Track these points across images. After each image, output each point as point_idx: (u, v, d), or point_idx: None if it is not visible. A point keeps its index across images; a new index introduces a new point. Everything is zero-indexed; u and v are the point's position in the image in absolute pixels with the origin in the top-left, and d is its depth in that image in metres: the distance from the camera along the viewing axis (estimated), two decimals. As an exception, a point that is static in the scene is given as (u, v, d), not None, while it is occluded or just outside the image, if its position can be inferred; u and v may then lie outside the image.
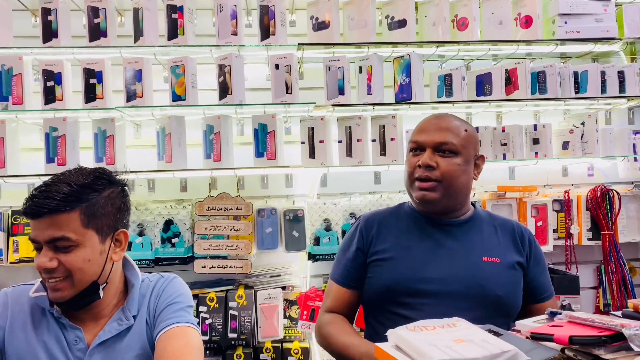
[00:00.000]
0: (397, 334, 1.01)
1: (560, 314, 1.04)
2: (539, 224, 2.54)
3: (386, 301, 1.47)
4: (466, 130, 1.48)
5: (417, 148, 1.50)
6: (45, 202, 1.13)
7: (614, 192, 2.56)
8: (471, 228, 1.52)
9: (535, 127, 2.49)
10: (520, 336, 1.05)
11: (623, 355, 0.85)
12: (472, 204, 1.62)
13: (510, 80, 2.43)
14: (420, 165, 1.46)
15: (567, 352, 0.95)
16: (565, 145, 2.52)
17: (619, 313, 1.02)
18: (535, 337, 0.98)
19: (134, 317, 1.30)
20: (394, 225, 1.55)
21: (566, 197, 2.59)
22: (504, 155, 2.47)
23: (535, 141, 2.48)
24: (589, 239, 2.60)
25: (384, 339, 1.05)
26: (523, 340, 1.00)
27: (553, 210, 2.60)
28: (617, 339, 0.85)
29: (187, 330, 1.26)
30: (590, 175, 2.76)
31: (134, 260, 2.31)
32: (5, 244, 2.33)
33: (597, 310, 2.69)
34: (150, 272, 2.48)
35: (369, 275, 1.52)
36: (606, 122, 2.76)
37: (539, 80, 2.43)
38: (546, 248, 2.55)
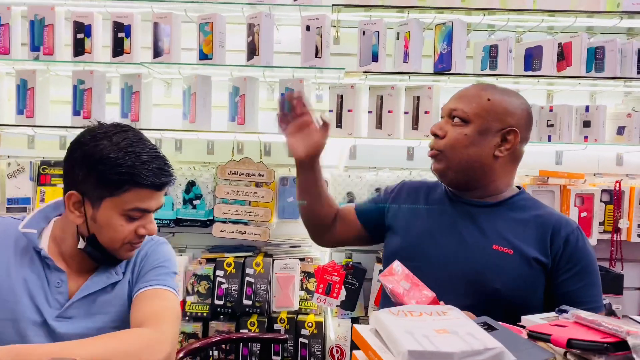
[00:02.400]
0: (377, 317, 0.91)
1: (567, 311, 0.90)
2: (583, 214, 2.33)
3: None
4: (489, 99, 1.32)
5: (442, 116, 1.42)
6: (170, 174, 1.21)
7: (674, 186, 2.31)
8: (496, 212, 1.37)
9: (587, 108, 2.26)
10: (518, 334, 0.92)
11: (627, 367, 0.71)
12: (518, 187, 1.45)
13: (564, 56, 2.21)
14: (431, 132, 1.41)
15: (568, 356, 0.82)
16: (620, 131, 2.28)
17: (638, 317, 0.88)
18: (533, 335, 0.86)
19: (123, 273, 1.27)
20: (424, 196, 1.49)
21: (617, 188, 2.36)
22: (549, 137, 2.27)
23: (586, 124, 2.25)
24: (639, 236, 2.37)
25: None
26: (519, 339, 0.88)
27: (601, 201, 2.38)
28: (621, 348, 0.71)
29: (167, 294, 1.21)
30: (649, 166, 2.50)
31: (155, 219, 2.32)
32: (34, 193, 2.38)
33: (642, 314, 2.47)
34: (172, 233, 2.51)
35: (386, 236, 1.52)
36: (672, 109, 2.48)
37: (596, 57, 2.20)
38: (590, 241, 2.34)
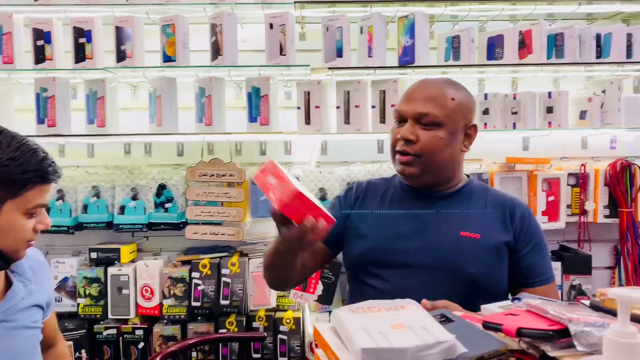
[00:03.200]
0: (336, 315, 0.93)
1: (521, 300, 0.93)
2: (551, 199, 2.38)
3: (359, 271, 1.44)
4: (453, 99, 1.35)
5: (400, 118, 1.39)
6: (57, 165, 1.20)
7: (636, 166, 2.37)
8: (457, 201, 1.43)
9: (549, 94, 2.30)
10: (476, 324, 0.95)
11: (571, 353, 0.74)
12: (468, 175, 1.51)
13: (525, 43, 2.24)
14: (399, 137, 1.36)
15: (521, 345, 0.85)
16: (582, 115, 2.33)
17: (589, 302, 0.91)
18: (487, 326, 0.88)
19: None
20: (382, 194, 1.49)
21: (582, 171, 2.42)
22: (514, 124, 2.31)
23: (549, 110, 2.29)
24: (606, 217, 2.43)
25: None
26: (474, 330, 0.90)
27: (568, 184, 2.43)
28: (566, 334, 0.74)
29: None
30: (612, 148, 2.55)
31: (127, 224, 2.31)
32: (2, 204, 2.35)
33: (612, 292, 2.53)
34: (146, 237, 2.50)
35: (347, 242, 1.48)
36: (634, 91, 2.53)
37: (556, 44, 2.23)
38: (558, 225, 2.40)
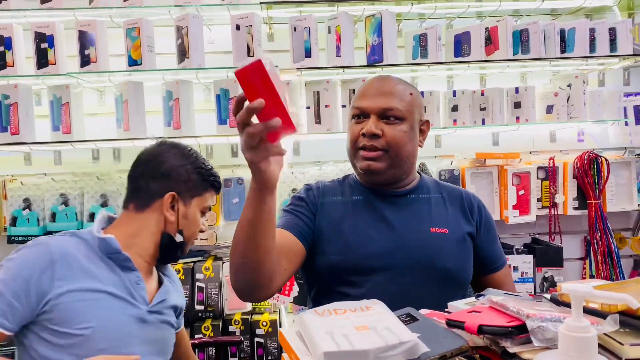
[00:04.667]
0: (301, 319, 0.92)
1: (484, 296, 0.93)
2: (521, 192, 2.41)
3: (332, 281, 1.35)
4: (411, 94, 1.36)
5: (360, 114, 1.35)
6: None
7: (603, 158, 2.41)
8: (417, 198, 1.42)
9: (517, 89, 2.33)
10: (441, 323, 0.95)
11: (529, 348, 0.74)
12: (419, 172, 1.51)
13: (491, 40, 2.27)
14: (365, 133, 1.32)
15: (484, 341, 0.85)
16: (549, 109, 2.36)
17: (549, 296, 0.92)
18: (450, 324, 0.88)
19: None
20: (338, 198, 1.43)
21: (551, 165, 2.45)
22: (483, 120, 2.33)
23: (517, 105, 2.32)
24: (575, 209, 2.47)
25: None
26: (438, 328, 0.90)
27: (537, 178, 2.47)
28: (524, 330, 0.75)
29: None
30: (580, 141, 2.61)
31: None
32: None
33: (583, 282, 2.57)
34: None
35: (315, 250, 1.35)
36: (599, 84, 2.58)
37: (521, 39, 2.26)
38: (529, 218, 2.44)
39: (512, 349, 0.76)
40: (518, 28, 2.27)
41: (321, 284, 1.39)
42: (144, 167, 1.34)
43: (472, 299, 1.06)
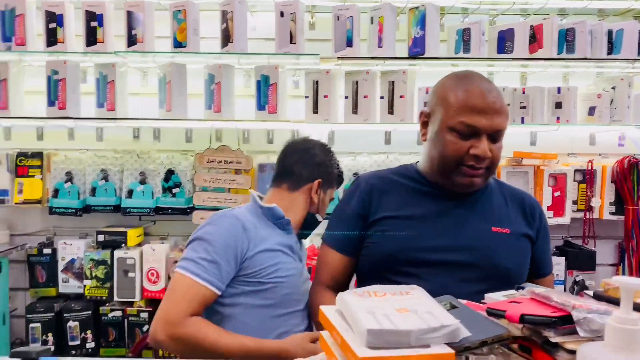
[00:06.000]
0: (342, 299, 0.94)
1: (524, 288, 0.94)
2: (557, 194, 2.38)
3: (386, 270, 1.35)
4: (509, 104, 1.36)
5: (469, 133, 1.26)
6: None
7: (644, 164, 2.36)
8: (480, 196, 1.39)
9: (559, 89, 2.30)
10: (479, 311, 0.96)
11: (573, 339, 0.75)
12: None
13: (535, 38, 2.23)
14: (480, 156, 1.25)
15: (523, 331, 0.86)
16: (591, 111, 2.32)
17: (592, 292, 0.92)
18: (491, 312, 0.89)
19: None
20: (397, 188, 1.41)
21: (589, 168, 2.41)
22: (522, 119, 2.31)
23: (558, 105, 2.29)
24: (612, 213, 2.44)
25: None
26: (478, 316, 0.91)
27: (574, 180, 2.44)
28: (568, 321, 0.75)
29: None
30: (620, 145, 2.55)
31: (135, 207, 2.33)
32: (12, 185, 2.37)
33: (615, 289, 2.53)
34: (153, 221, 2.52)
35: (369, 242, 1.38)
36: (644, 88, 2.52)
37: (567, 39, 2.23)
38: (563, 220, 2.41)
39: (555, 338, 0.76)
40: (564, 27, 2.23)
41: (375, 273, 1.38)
42: (298, 156, 1.59)
43: (511, 291, 1.07)
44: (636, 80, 2.41)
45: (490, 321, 0.89)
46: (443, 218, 1.35)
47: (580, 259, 2.41)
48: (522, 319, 0.81)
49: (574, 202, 2.44)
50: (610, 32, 2.24)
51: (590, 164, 2.41)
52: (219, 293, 1.36)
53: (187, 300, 1.32)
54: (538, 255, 1.42)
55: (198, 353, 1.31)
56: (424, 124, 1.37)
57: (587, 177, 2.42)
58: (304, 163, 1.58)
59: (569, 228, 2.51)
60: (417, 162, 1.45)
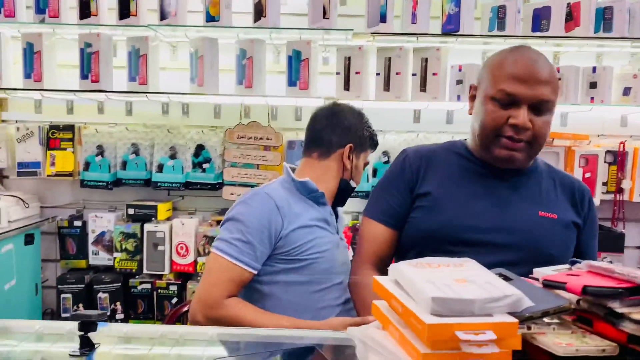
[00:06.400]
0: (397, 269, 0.95)
1: (580, 262, 0.94)
2: (587, 175, 2.37)
3: (426, 247, 1.30)
4: (559, 79, 1.32)
5: (509, 102, 1.22)
6: None
7: (677, 146, 2.34)
8: (529, 179, 1.35)
9: (594, 69, 2.27)
10: (533, 283, 0.96)
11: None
12: None
13: (572, 16, 2.20)
14: (518, 126, 1.22)
15: (581, 303, 0.86)
16: (626, 92, 2.29)
17: (649, 267, 0.92)
18: (548, 284, 0.90)
19: None
20: (444, 164, 1.36)
21: (621, 149, 2.39)
22: (556, 98, 2.28)
23: (593, 85, 2.26)
24: (642, 196, 2.42)
25: None
26: (534, 287, 0.92)
27: (605, 162, 2.42)
28: (635, 293, 0.75)
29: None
30: (653, 127, 2.52)
31: (165, 182, 2.35)
32: (43, 157, 2.40)
33: (642, 271, 2.52)
34: (181, 196, 2.54)
35: (411, 217, 1.35)
36: (679, 69, 2.48)
37: (604, 17, 2.19)
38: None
39: (621, 309, 0.77)
40: (602, 5, 2.19)
41: (414, 249, 1.34)
42: (327, 122, 1.52)
43: (560, 266, 1.07)
44: (672, 61, 2.37)
45: (547, 292, 0.90)
46: (488, 198, 1.31)
47: (609, 241, 2.39)
48: (585, 290, 0.82)
49: (604, 184, 2.42)
50: (649, 11, 2.19)
51: (622, 145, 2.38)
52: (255, 272, 1.37)
53: (224, 282, 1.33)
54: (584, 243, 1.37)
55: None
56: (472, 98, 1.33)
57: (618, 158, 2.39)
58: (332, 128, 1.52)
59: (598, 209, 2.49)
60: (466, 139, 1.41)
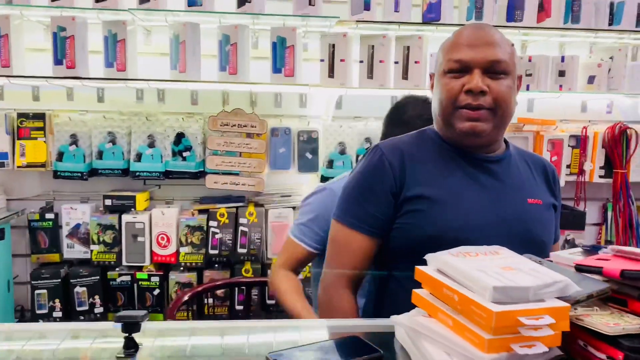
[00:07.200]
0: (440, 259, 0.99)
1: (605, 247, 1.02)
2: (554, 158, 2.52)
3: (421, 254, 1.15)
4: (512, 45, 1.25)
5: (460, 69, 1.19)
6: None
7: (633, 130, 2.52)
8: (509, 165, 1.29)
9: (562, 58, 2.40)
10: (564, 267, 1.04)
11: (679, 291, 0.84)
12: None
13: (543, 7, 2.31)
14: (472, 90, 1.16)
15: (612, 286, 0.94)
16: (591, 80, 2.44)
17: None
18: (582, 269, 0.97)
19: None
20: (424, 158, 1.26)
21: (583, 134, 2.56)
22: (528, 86, 2.40)
23: (561, 73, 2.40)
24: (601, 177, 2.60)
25: (405, 297, 1.01)
26: (568, 271, 0.99)
27: (569, 145, 2.57)
28: (674, 275, 0.84)
29: None
30: (608, 112, 2.70)
31: (144, 171, 2.28)
32: (11, 147, 2.26)
33: (598, 246, 2.72)
34: (158, 185, 2.48)
35: (403, 222, 1.22)
36: (632, 59, 2.66)
37: (572, 9, 2.31)
38: (557, 183, 2.55)
39: (657, 290, 0.85)
40: (570, -3, 2.32)
41: (408, 257, 1.16)
42: (391, 115, 1.59)
43: (575, 249, 1.14)
44: (630, 51, 2.54)
45: (582, 276, 0.97)
46: (479, 192, 1.24)
47: (572, 220, 2.56)
48: (623, 274, 0.90)
49: (567, 166, 2.58)
50: (612, 4, 2.34)
51: (584, 130, 2.55)
52: (312, 250, 1.54)
53: (284, 254, 1.59)
54: (555, 222, 1.35)
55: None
56: (432, 87, 1.30)
57: (581, 142, 2.56)
58: (394, 121, 1.57)
59: (562, 190, 2.65)
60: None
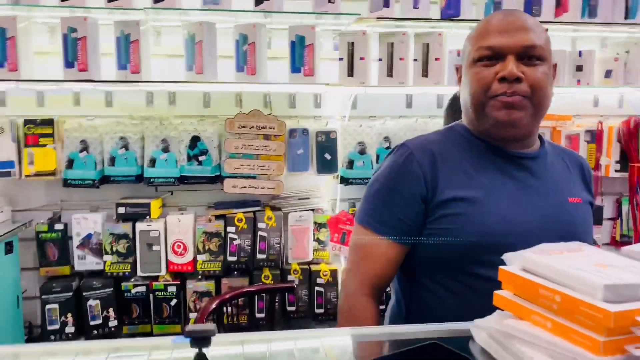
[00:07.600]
0: (525, 257, 0.94)
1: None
2: (572, 154, 2.51)
3: (464, 260, 1.12)
4: (547, 30, 1.18)
5: (491, 56, 1.11)
6: None
7: (648, 124, 2.53)
8: (546, 162, 1.22)
9: (580, 53, 2.39)
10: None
11: None
12: None
13: (560, 2, 2.29)
14: (506, 77, 1.08)
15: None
16: (607, 74, 2.44)
17: None
18: (674, 263, 0.93)
19: None
20: (457, 157, 1.17)
21: (599, 128, 2.55)
22: (546, 81, 2.38)
23: (579, 68, 2.39)
24: (616, 171, 2.60)
25: (448, 309, 0.99)
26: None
27: (584, 140, 2.57)
28: None
29: None
30: (619, 107, 2.71)
31: (159, 177, 2.19)
32: (17, 155, 2.15)
33: (613, 241, 2.72)
34: (170, 192, 2.39)
35: (438, 227, 1.13)
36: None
37: (590, 3, 2.31)
38: (574, 178, 2.54)
39: None
40: (587, -8, 2.31)
41: (447, 264, 1.15)
42: (453, 106, 1.66)
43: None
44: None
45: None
46: (520, 191, 1.16)
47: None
48: None
49: (583, 161, 2.57)
50: (628, -2, 2.34)
51: (600, 125, 2.55)
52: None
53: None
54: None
55: None
56: (460, 80, 1.23)
57: (596, 137, 2.55)
58: (451, 111, 1.65)
59: (578, 186, 2.65)
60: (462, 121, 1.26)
